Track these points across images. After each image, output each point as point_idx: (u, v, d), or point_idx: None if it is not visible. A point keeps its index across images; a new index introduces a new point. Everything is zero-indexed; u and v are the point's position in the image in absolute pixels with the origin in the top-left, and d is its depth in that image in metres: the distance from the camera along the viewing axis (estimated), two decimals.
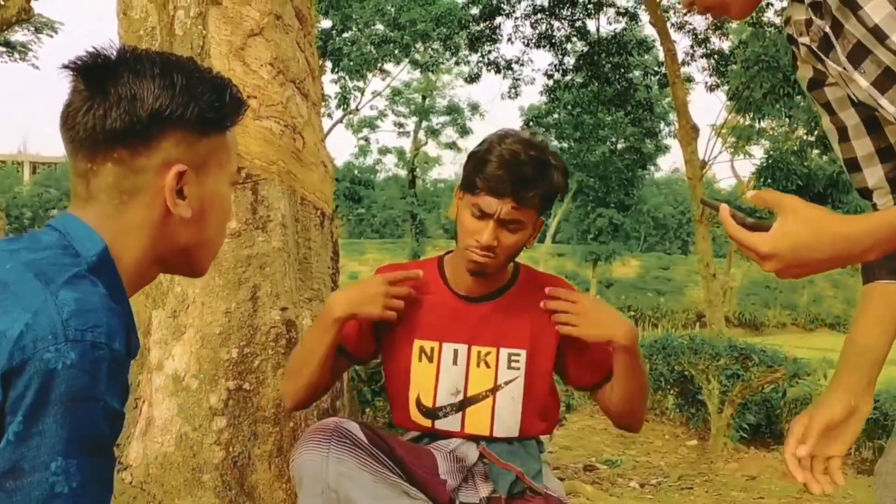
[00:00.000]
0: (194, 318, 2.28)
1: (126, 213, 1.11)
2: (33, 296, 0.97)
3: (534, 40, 17.58)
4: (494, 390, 1.87)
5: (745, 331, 23.66)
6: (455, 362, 1.88)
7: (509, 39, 17.87)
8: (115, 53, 1.10)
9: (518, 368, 1.87)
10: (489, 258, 1.79)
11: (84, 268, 1.04)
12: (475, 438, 1.88)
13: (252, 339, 2.28)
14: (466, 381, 1.88)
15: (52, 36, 20.91)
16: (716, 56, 17.35)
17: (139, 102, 1.07)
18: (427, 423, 1.88)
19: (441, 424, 1.88)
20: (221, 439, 2.21)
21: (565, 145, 30.32)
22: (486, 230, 1.76)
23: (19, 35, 20.31)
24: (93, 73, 1.08)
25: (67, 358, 0.93)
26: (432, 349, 1.89)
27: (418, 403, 1.88)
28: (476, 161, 1.78)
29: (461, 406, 1.88)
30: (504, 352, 1.87)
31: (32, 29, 20.27)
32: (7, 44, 19.83)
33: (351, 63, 25.51)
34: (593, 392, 1.97)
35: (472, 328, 1.89)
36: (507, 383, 1.87)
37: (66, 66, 1.08)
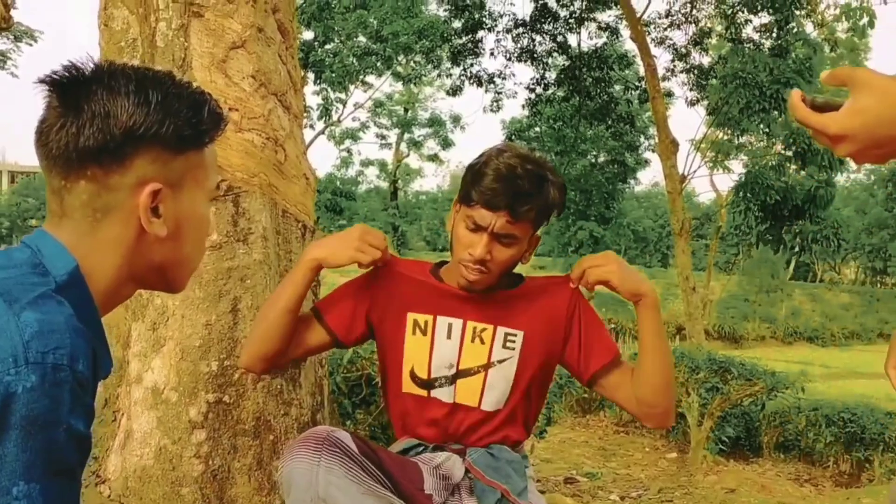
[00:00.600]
0: (174, 331, 2.27)
1: (100, 230, 1.09)
2: None
3: (515, 54, 17.67)
4: (487, 367, 1.87)
5: (725, 344, 23.81)
6: (449, 336, 1.87)
7: (491, 53, 17.96)
8: (89, 68, 1.08)
9: (513, 349, 1.87)
10: (482, 273, 1.79)
11: (52, 287, 1.02)
12: (463, 409, 1.87)
13: (232, 351, 2.27)
14: (459, 355, 1.87)
15: (31, 44, 20.81)
16: (696, 71, 17.50)
17: (113, 120, 1.05)
18: (422, 392, 1.87)
19: (436, 393, 1.88)
20: (201, 452, 2.20)
21: (546, 158, 30.42)
22: (480, 244, 1.76)
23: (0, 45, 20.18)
24: (67, 88, 1.06)
25: (28, 381, 0.91)
26: (426, 322, 1.88)
27: (412, 375, 1.88)
28: (473, 173, 1.78)
29: (453, 379, 1.88)
30: (501, 330, 1.87)
31: (12, 37, 20.15)
32: None
33: (333, 75, 25.49)
34: (605, 381, 1.92)
35: (469, 306, 1.88)
36: (500, 362, 1.87)
37: (41, 81, 1.07)
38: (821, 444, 6.21)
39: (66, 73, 1.07)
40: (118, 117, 1.06)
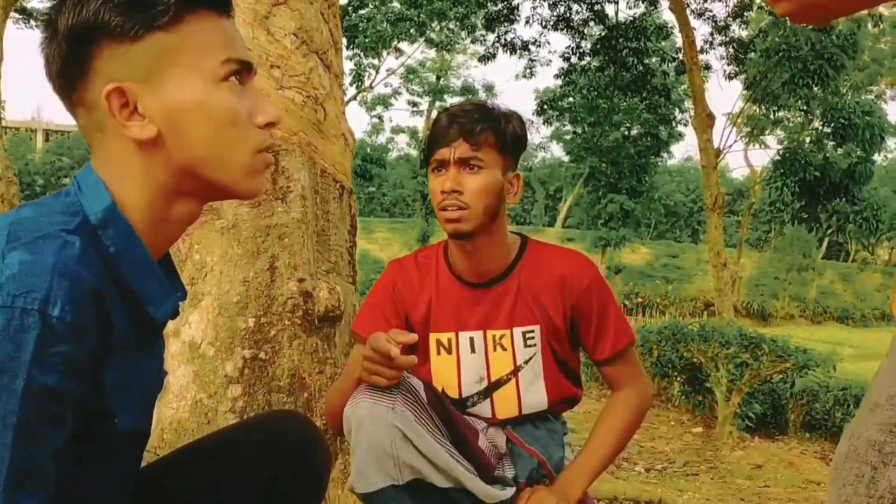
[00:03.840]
0: (212, 287, 2.29)
1: (108, 153, 1.04)
2: None
3: (551, 22, 17.45)
4: (516, 371, 1.85)
5: (753, 321, 23.64)
6: (473, 350, 1.86)
7: (527, 21, 17.74)
8: None
9: (534, 345, 1.85)
10: (460, 207, 1.75)
11: (70, 227, 0.97)
12: (505, 422, 1.87)
13: (269, 308, 2.28)
14: (488, 366, 1.86)
15: None
16: (735, 44, 17.20)
17: (59, 34, 1.00)
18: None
19: (471, 412, 1.87)
20: (236, 407, 2.22)
21: (579, 129, 30.19)
22: (447, 178, 1.75)
23: (35, 2, 20.30)
24: (47, 16, 1.02)
25: None
26: (449, 340, 1.87)
27: (444, 396, 1.86)
28: (428, 135, 1.83)
29: (488, 392, 1.86)
30: (517, 331, 1.85)
31: None
32: (23, 10, 19.80)
33: (366, 40, 25.38)
34: (610, 370, 1.92)
35: (484, 313, 1.86)
36: (526, 362, 1.85)
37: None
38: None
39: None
40: (62, 29, 1.00)
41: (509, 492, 1.72)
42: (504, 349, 1.85)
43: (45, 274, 0.90)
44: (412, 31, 25.79)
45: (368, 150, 41.06)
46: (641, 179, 31.83)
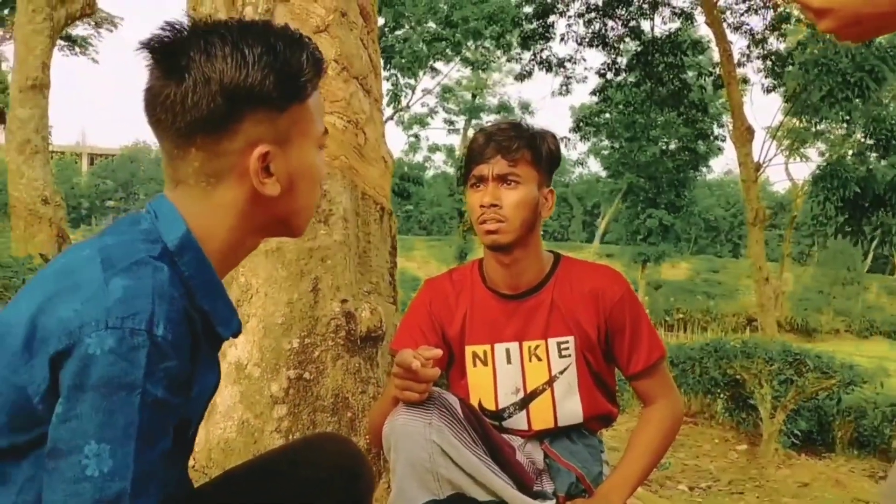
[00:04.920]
0: (257, 308, 2.33)
1: (214, 195, 1.12)
2: (90, 283, 0.99)
3: (587, 39, 17.46)
4: (551, 382, 1.88)
5: (797, 336, 23.24)
6: (509, 361, 1.89)
7: (562, 38, 17.77)
8: (186, 29, 1.08)
9: (569, 356, 1.89)
10: (499, 221, 1.82)
11: (155, 253, 1.05)
12: (542, 434, 1.89)
13: (313, 329, 2.32)
14: (523, 377, 1.89)
15: (111, 31, 21.37)
16: (773, 57, 17.05)
17: (214, 86, 1.06)
18: (495, 425, 1.89)
19: (508, 424, 1.90)
20: (282, 427, 2.26)
21: (616, 145, 30.06)
22: (486, 193, 1.83)
23: (80, 29, 20.81)
24: (166, 54, 1.07)
25: (105, 344, 0.95)
26: (485, 352, 1.91)
27: (481, 409, 1.89)
28: (466, 153, 1.90)
29: (524, 403, 1.89)
30: (552, 342, 1.89)
31: (93, 24, 20.74)
32: (69, 38, 20.32)
33: (403, 60, 25.61)
34: (640, 383, 1.95)
35: (520, 324, 1.90)
36: (561, 372, 1.88)
37: (142, 45, 1.08)
38: None
39: (165, 37, 1.08)
40: (219, 82, 1.06)
41: (549, 503, 1.73)
42: (539, 359, 1.89)
43: (147, 297, 0.99)
44: (448, 50, 25.96)
45: (406, 168, 41.25)
46: (680, 194, 31.57)
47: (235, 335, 1.22)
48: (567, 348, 1.89)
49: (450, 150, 44.89)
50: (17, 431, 1.01)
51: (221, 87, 1.06)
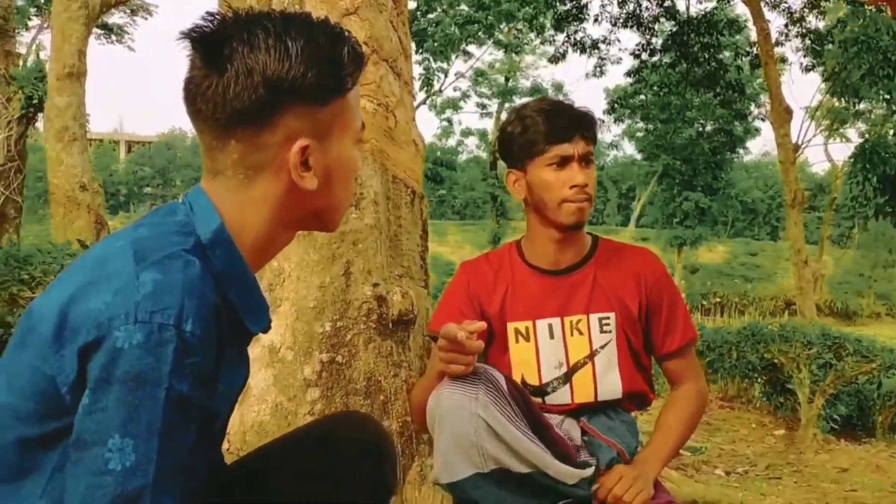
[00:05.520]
0: (290, 292, 2.34)
1: (251, 187, 1.11)
2: (121, 275, 0.99)
3: (621, 20, 17.26)
4: (592, 356, 1.90)
5: (837, 320, 22.87)
6: (552, 336, 1.91)
7: (596, 19, 17.59)
8: (228, 20, 1.07)
9: (610, 331, 1.91)
10: (587, 199, 1.87)
11: (188, 246, 1.05)
12: (582, 408, 1.89)
13: (345, 313, 2.33)
14: (566, 351, 1.91)
15: (146, 18, 21.58)
16: (812, 36, 16.72)
17: (256, 77, 1.05)
18: (537, 400, 1.90)
19: (551, 399, 1.91)
20: (315, 410, 2.27)
21: (650, 127, 29.78)
22: (578, 172, 1.85)
23: (116, 17, 21.04)
24: (208, 45, 1.06)
25: (134, 338, 0.95)
26: (527, 328, 1.92)
27: (524, 384, 1.90)
28: (521, 133, 1.89)
29: (567, 377, 1.91)
30: (594, 317, 1.91)
31: (129, 11, 20.95)
32: (105, 26, 20.55)
33: (435, 44, 25.55)
34: (671, 364, 2.00)
35: (561, 300, 1.92)
36: (602, 347, 1.91)
37: (183, 35, 1.07)
38: None
39: (207, 27, 1.07)
40: (262, 74, 1.05)
41: (589, 470, 1.73)
42: (581, 333, 1.91)
43: (177, 292, 0.98)
44: (480, 33, 25.86)
45: (438, 153, 41.25)
46: (717, 176, 31.20)
47: (265, 331, 1.21)
48: (608, 324, 1.91)
49: (482, 134, 44.75)
50: (46, 420, 1.01)
51: (263, 79, 1.05)
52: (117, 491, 0.93)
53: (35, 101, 13.14)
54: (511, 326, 1.93)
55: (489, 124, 43.22)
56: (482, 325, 1.61)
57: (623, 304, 1.92)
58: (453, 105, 38.90)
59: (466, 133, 44.31)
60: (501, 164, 2.05)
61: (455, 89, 37.50)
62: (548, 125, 1.86)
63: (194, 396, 0.99)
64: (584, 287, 1.92)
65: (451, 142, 44.13)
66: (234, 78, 1.05)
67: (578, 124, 1.87)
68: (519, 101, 38.47)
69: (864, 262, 34.83)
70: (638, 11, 17.06)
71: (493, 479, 1.60)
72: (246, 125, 1.08)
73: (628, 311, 1.92)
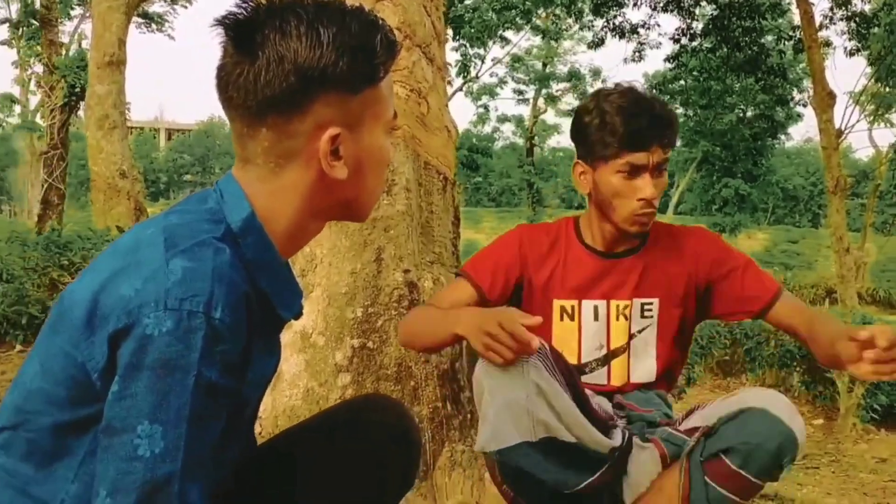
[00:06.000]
0: (322, 278, 2.35)
1: (281, 176, 1.11)
2: (151, 262, 1.00)
3: (661, 4, 17.02)
4: (630, 339, 1.88)
5: (879, 309, 22.42)
6: (596, 318, 1.89)
7: (635, 3, 17.37)
8: (261, 7, 1.07)
9: (651, 316, 1.89)
10: (653, 211, 1.80)
11: (218, 234, 1.05)
12: (616, 391, 1.89)
13: (376, 299, 2.33)
14: (608, 335, 1.89)
15: (186, 7, 21.76)
16: (857, 19, 16.35)
17: (287, 65, 1.04)
18: None
19: (587, 379, 1.89)
20: (346, 395, 2.29)
21: (690, 112, 29.38)
22: (647, 184, 1.76)
23: (156, 6, 21.25)
24: (240, 32, 1.06)
25: (164, 325, 0.95)
26: (572, 307, 1.90)
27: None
28: (599, 126, 1.78)
29: (606, 360, 1.90)
30: (637, 302, 1.88)
31: (168, 0, 21.14)
32: (145, 15, 20.77)
33: (472, 30, 25.44)
34: (776, 312, 1.87)
35: (610, 283, 1.89)
36: (640, 331, 1.88)
37: (217, 22, 1.07)
38: None
39: (240, 14, 1.07)
40: (293, 62, 1.05)
41: (617, 438, 1.70)
42: (626, 319, 1.88)
43: (207, 279, 0.98)
44: (518, 18, 25.68)
45: (474, 140, 41.14)
46: (757, 163, 30.76)
47: (297, 317, 1.21)
48: (650, 310, 1.89)
49: (519, 121, 44.52)
50: (78, 406, 1.03)
51: (295, 67, 1.05)
52: (146, 477, 0.94)
53: (77, 90, 13.37)
54: (557, 304, 1.90)
55: (526, 111, 43.02)
56: (538, 319, 1.54)
57: (670, 288, 1.89)
58: (490, 91, 38.76)
59: (502, 119, 44.14)
60: (557, 147, 1.97)
61: (492, 75, 37.40)
62: (626, 127, 1.74)
63: (223, 384, 0.99)
64: (633, 272, 1.89)
65: (487, 128, 44.00)
66: (265, 65, 1.05)
67: (657, 130, 1.75)
68: (556, 86, 38.21)
69: None
70: None
71: (541, 448, 1.59)
72: (276, 113, 1.07)
73: (674, 294, 1.89)
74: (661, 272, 1.89)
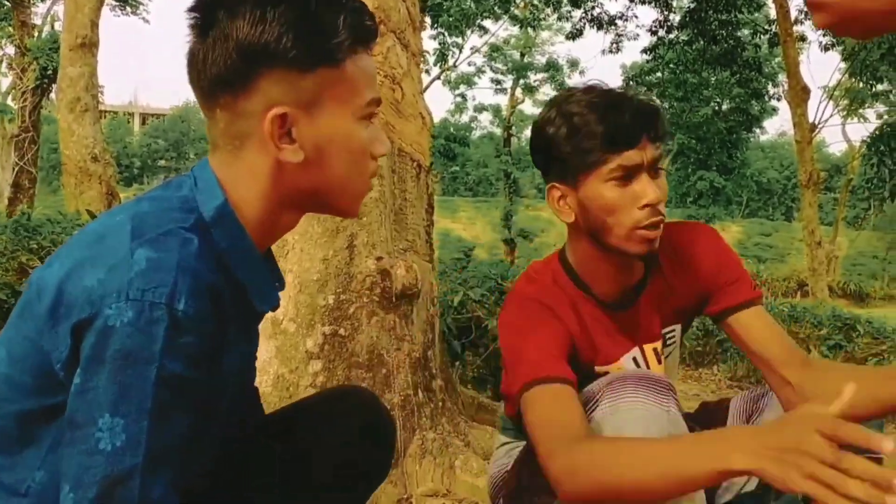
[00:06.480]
0: (293, 265, 2.34)
1: (240, 160, 1.08)
2: (116, 251, 0.97)
3: None
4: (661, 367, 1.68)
5: (850, 302, 22.77)
6: (637, 367, 1.63)
7: None
8: None
9: (673, 342, 1.68)
10: (662, 219, 1.47)
11: (187, 225, 1.02)
12: None
13: (348, 286, 2.32)
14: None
15: None
16: None
17: (231, 43, 1.02)
18: None
19: None
20: (316, 382, 2.27)
21: (666, 105, 29.49)
22: (649, 186, 1.43)
23: None
24: (199, 14, 1.05)
25: (125, 316, 0.93)
26: (617, 368, 1.65)
27: None
28: (566, 138, 1.45)
29: None
30: (663, 334, 1.66)
31: None
32: None
33: (450, 19, 25.35)
34: (736, 320, 1.61)
35: (636, 330, 1.61)
36: (667, 357, 1.68)
37: (187, 10, 1.06)
38: None
39: None
40: (235, 39, 1.02)
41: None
42: (656, 354, 1.65)
43: (171, 270, 0.96)
44: (496, 7, 25.61)
45: (452, 129, 41.06)
46: (732, 156, 30.94)
47: (274, 309, 1.18)
48: (673, 336, 1.68)
49: (496, 111, 44.50)
50: (42, 395, 1.01)
51: (237, 44, 1.02)
52: (107, 471, 0.92)
53: (49, 72, 13.19)
54: (601, 371, 1.60)
55: (503, 100, 42.97)
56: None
57: (685, 308, 1.65)
58: (467, 80, 38.66)
59: (480, 109, 44.07)
60: (518, 143, 1.65)
61: (470, 64, 37.34)
62: (605, 125, 1.40)
63: (188, 375, 0.97)
64: (651, 309, 1.61)
65: (465, 118, 43.89)
66: (212, 44, 1.04)
67: (643, 121, 1.42)
68: (534, 76, 38.26)
69: (879, 244, 34.60)
70: None
71: None
72: (225, 92, 1.05)
73: (687, 312, 1.66)
74: (674, 294, 1.63)
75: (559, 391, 1.38)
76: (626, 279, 1.57)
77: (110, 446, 0.92)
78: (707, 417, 1.72)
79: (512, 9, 26.63)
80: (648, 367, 1.62)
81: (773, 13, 15.82)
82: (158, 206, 1.05)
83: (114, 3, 20.30)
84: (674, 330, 1.67)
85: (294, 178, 1.08)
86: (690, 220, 1.77)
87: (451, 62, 30.92)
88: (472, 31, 29.34)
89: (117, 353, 0.93)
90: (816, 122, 16.52)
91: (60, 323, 0.97)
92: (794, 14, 15.37)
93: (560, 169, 1.48)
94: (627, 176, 1.43)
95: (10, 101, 20.72)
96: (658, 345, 1.62)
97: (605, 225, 1.46)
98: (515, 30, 35.66)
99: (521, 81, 39.57)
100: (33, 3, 16.89)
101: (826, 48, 17.49)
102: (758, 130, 33.31)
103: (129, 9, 21.48)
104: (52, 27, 18.11)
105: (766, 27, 18.44)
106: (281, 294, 2.28)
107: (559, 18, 25.84)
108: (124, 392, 0.93)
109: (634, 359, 1.60)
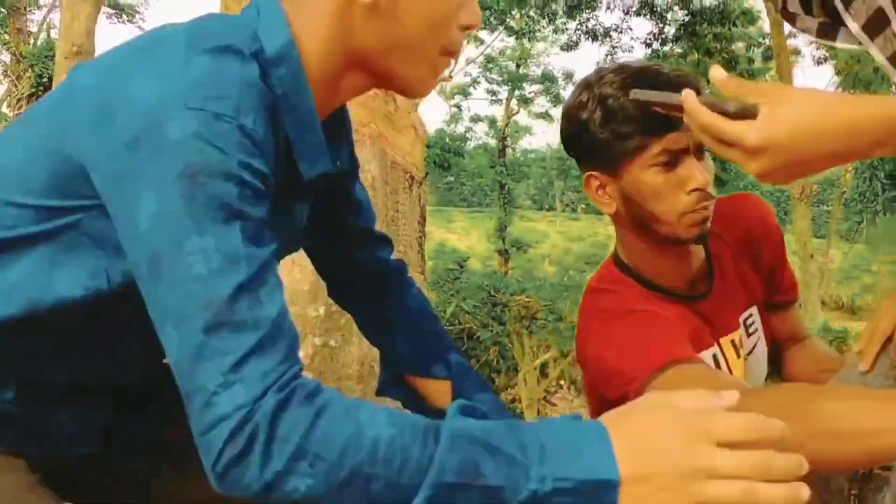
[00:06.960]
0: (284, 276, 2.32)
1: None
2: (170, 59, 0.85)
3: (634, 8, 17.18)
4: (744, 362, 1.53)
5: (842, 314, 22.84)
6: (717, 366, 1.48)
7: (608, 7, 17.50)
8: None
9: (756, 330, 1.53)
10: (712, 202, 1.36)
11: (248, 50, 0.89)
12: None
13: None
14: (730, 372, 1.50)
15: None
16: None
17: None
18: None
19: None
20: None
21: None
22: (697, 168, 1.32)
23: None
24: None
25: (189, 127, 0.80)
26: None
27: None
28: (602, 124, 1.33)
29: None
30: (741, 322, 1.51)
31: None
32: (116, 6, 20.55)
33: None
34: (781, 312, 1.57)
35: (714, 324, 1.48)
36: (749, 353, 1.52)
37: None
38: None
39: None
40: None
41: None
42: (734, 348, 1.49)
43: (234, 84, 0.84)
44: (492, 19, 25.71)
45: (447, 139, 41.11)
46: (726, 168, 31.03)
47: (320, 179, 1.00)
48: (753, 321, 1.52)
49: (492, 122, 44.62)
50: (56, 196, 0.91)
51: None
52: (210, 295, 0.79)
53: (45, 80, 13.19)
54: None
55: (499, 111, 43.10)
56: None
57: (753, 285, 1.52)
58: (463, 91, 38.77)
59: (475, 119, 44.17)
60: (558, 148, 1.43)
61: (465, 75, 37.29)
62: (643, 107, 1.24)
63: (265, 201, 0.85)
64: (724, 297, 1.48)
65: (460, 128, 43.92)
66: None
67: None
68: (529, 88, 38.41)
69: (871, 257, 34.72)
70: (651, 0, 16.98)
71: None
72: None
73: (758, 289, 1.53)
74: (741, 273, 1.51)
75: (699, 371, 1.22)
76: (686, 269, 1.45)
77: (206, 269, 0.80)
78: None
79: (508, 20, 26.75)
80: (728, 365, 1.46)
81: (767, 27, 15.93)
82: (216, 22, 0.93)
83: (110, 11, 20.34)
84: (752, 314, 1.51)
85: (362, 28, 0.95)
86: (740, 193, 1.64)
87: (446, 73, 30.98)
88: (468, 42, 29.44)
89: (187, 169, 0.80)
90: None
91: (107, 134, 0.84)
92: (787, 28, 15.46)
93: (597, 157, 1.36)
94: (672, 161, 1.32)
95: (4, 109, 20.72)
96: (736, 335, 1.48)
97: (651, 214, 1.35)
98: (511, 41, 35.80)
99: (517, 93, 39.70)
100: (30, 11, 16.92)
101: (819, 62, 17.62)
102: None
103: (125, 17, 21.54)
104: (48, 35, 18.14)
105: (761, 40, 18.56)
106: None
107: (555, 30, 25.95)
108: (207, 209, 0.80)
109: (714, 356, 1.44)
